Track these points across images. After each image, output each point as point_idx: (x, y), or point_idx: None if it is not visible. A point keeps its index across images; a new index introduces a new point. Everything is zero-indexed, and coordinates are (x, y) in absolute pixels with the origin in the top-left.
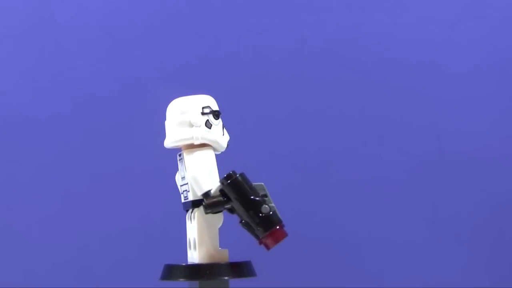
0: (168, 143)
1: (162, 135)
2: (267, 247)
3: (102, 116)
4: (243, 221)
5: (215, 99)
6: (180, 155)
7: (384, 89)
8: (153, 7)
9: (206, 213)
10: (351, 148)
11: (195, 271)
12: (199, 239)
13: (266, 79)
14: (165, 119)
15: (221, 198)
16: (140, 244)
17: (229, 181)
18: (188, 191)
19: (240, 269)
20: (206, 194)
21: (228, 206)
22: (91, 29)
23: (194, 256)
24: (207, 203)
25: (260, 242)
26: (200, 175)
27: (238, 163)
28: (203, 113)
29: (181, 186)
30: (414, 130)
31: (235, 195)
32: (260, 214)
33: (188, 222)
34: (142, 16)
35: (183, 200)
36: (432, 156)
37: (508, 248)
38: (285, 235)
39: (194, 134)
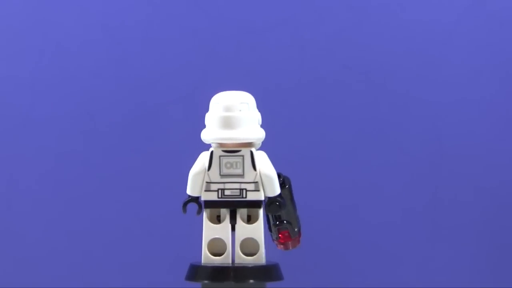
0: (235, 137)
1: (163, 134)
2: (288, 248)
3: (103, 116)
4: (284, 221)
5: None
6: (230, 151)
7: (384, 90)
8: (153, 7)
9: (274, 213)
10: (350, 148)
11: (267, 272)
12: (263, 240)
13: (265, 78)
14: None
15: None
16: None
17: (289, 183)
18: (249, 190)
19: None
20: (278, 195)
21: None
22: (92, 28)
23: (245, 258)
24: (282, 203)
25: (283, 242)
26: (276, 176)
27: None
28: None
29: (210, 183)
30: (415, 131)
31: (291, 196)
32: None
33: (208, 222)
34: (142, 16)
35: (215, 198)
36: (433, 157)
37: (509, 249)
38: None
39: (263, 133)
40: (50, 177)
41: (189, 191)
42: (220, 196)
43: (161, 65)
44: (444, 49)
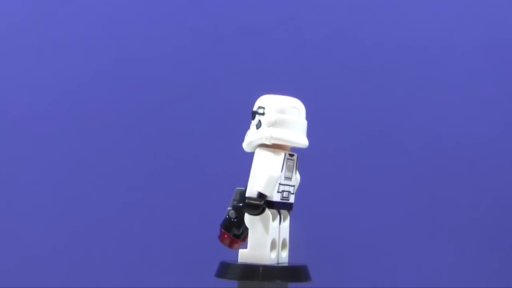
0: (306, 143)
1: (165, 134)
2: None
3: (105, 115)
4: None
5: (216, 99)
6: (291, 155)
7: (384, 90)
8: (152, 7)
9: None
10: (350, 148)
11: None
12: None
13: (266, 78)
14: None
15: None
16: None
17: None
18: (291, 193)
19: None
20: None
21: None
22: (91, 28)
23: (284, 257)
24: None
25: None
26: None
27: (238, 164)
28: None
29: (280, 184)
30: (415, 131)
31: None
32: None
33: (272, 222)
34: (141, 15)
35: (279, 199)
36: (433, 157)
37: (509, 249)
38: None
39: None
40: (52, 177)
41: (266, 191)
42: (281, 197)
43: (161, 64)
44: (444, 49)
